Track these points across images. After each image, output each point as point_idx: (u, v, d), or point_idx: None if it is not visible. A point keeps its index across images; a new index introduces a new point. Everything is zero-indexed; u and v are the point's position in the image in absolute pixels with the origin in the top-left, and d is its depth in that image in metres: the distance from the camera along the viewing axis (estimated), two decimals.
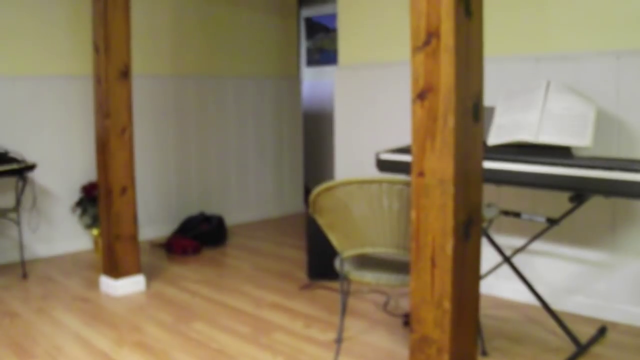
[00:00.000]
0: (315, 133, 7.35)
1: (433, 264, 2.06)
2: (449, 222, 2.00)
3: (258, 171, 6.44)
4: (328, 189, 2.51)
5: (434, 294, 2.07)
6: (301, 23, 7.46)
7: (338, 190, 2.49)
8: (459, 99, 1.98)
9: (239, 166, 6.26)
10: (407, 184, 2.32)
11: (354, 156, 4.72)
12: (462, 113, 2.00)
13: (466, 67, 2.02)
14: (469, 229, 2.08)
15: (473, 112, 2.06)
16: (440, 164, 2.01)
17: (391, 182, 2.36)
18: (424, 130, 2.04)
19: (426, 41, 2.02)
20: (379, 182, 2.37)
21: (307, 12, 7.43)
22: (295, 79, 6.71)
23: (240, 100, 6.21)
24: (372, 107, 4.57)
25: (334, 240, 2.69)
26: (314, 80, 7.45)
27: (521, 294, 3.71)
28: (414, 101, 2.06)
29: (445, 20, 1.97)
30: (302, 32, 7.50)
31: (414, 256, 2.12)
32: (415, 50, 2.06)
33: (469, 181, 2.07)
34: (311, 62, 7.50)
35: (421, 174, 2.06)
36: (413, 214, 2.10)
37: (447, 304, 2.05)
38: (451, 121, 1.97)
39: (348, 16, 4.69)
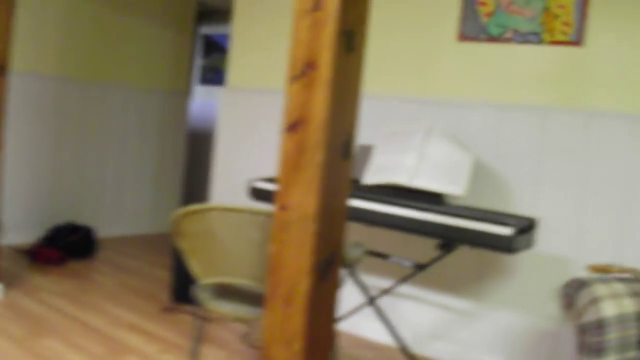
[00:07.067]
0: (201, 153, 7.17)
1: (287, 303, 1.97)
2: (307, 260, 1.93)
3: (136, 185, 6.18)
4: (191, 213, 2.38)
5: (285, 334, 1.98)
6: (198, 40, 7.31)
7: (202, 215, 2.37)
8: (330, 134, 1.92)
9: (117, 177, 5.99)
10: (271, 215, 2.23)
11: (232, 180, 4.60)
12: (332, 149, 1.94)
13: (341, 103, 1.97)
14: (328, 269, 2.01)
15: (343, 149, 2.00)
16: (305, 199, 1.93)
17: (253, 213, 2.26)
18: (292, 163, 1.96)
19: (303, 71, 1.95)
20: (241, 211, 2.27)
21: (207, 29, 7.29)
22: (183, 95, 6.52)
23: (125, 110, 5.95)
24: (253, 132, 4.48)
25: (194, 265, 2.56)
26: (205, 99, 7.29)
27: (385, 336, 3.69)
28: (284, 132, 1.99)
29: (325, 52, 1.91)
30: (198, 49, 7.34)
31: (269, 292, 2.03)
32: (292, 79, 1.99)
33: (333, 219, 2.01)
34: (205, 80, 7.34)
35: (284, 207, 1.98)
36: (272, 248, 2.02)
37: (297, 345, 1.96)
38: (319, 156, 1.90)
39: (241, 38, 4.60)
